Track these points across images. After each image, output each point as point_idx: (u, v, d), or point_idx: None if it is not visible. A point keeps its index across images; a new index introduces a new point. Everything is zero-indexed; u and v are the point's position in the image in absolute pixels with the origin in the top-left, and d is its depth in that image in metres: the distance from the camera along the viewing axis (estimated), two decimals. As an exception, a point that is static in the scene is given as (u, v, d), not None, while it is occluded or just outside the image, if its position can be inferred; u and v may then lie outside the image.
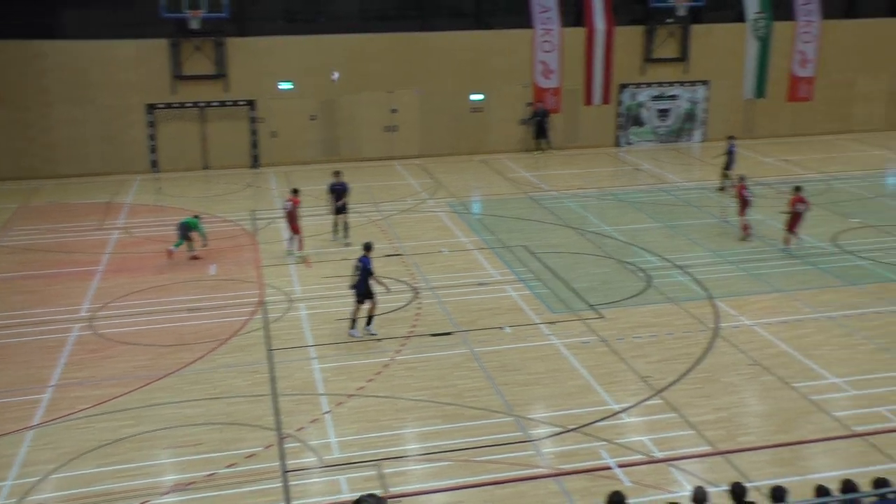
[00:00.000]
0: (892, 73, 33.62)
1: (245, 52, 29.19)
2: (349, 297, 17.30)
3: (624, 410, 12.88)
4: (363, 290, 15.35)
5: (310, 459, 11.71)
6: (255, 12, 30.17)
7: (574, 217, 23.16)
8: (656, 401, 13.14)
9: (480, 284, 18.19)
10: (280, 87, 29.58)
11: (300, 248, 20.05)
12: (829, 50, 32.88)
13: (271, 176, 28.64)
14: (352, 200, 25.08)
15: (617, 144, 32.33)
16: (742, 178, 21.56)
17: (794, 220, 19.82)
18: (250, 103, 29.52)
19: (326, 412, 12.90)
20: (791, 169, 28.21)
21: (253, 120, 29.62)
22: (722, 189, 25.20)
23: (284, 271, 19.18)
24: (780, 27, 32.32)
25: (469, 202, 25.14)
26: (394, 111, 30.52)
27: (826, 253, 19.76)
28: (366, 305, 15.50)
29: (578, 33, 31.18)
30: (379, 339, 15.39)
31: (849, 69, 33.30)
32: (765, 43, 32.29)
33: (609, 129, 32.16)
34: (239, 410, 12.98)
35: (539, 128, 31.07)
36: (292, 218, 19.80)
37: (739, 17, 32.44)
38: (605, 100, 31.78)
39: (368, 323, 15.61)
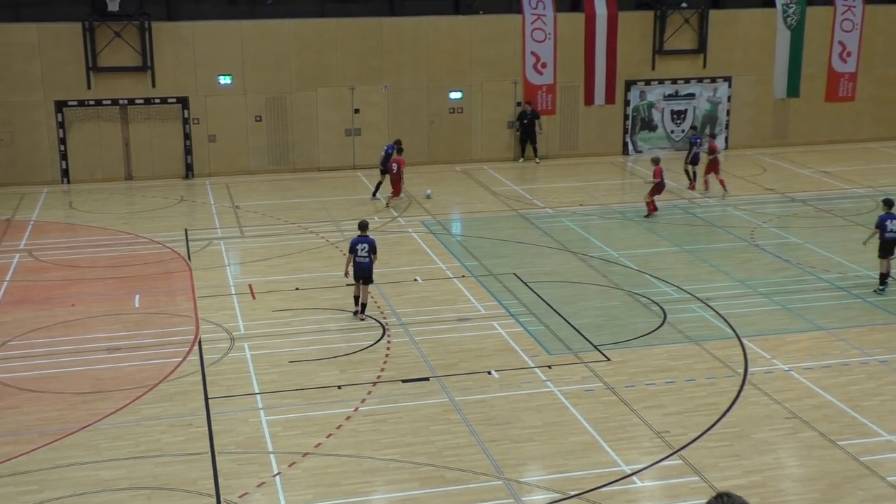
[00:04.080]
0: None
1: (176, 39, 29.21)
2: (304, 335, 17.16)
3: (636, 473, 12.86)
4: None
5: (256, 534, 11.58)
6: (189, -9, 30.23)
7: (574, 239, 23.27)
8: (675, 461, 13.14)
9: (462, 320, 18.19)
10: (219, 82, 29.59)
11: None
12: (874, 40, 33.42)
13: (208, 188, 28.57)
14: (306, 218, 25.14)
15: (624, 152, 32.60)
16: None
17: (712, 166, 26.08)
18: (182, 101, 29.50)
19: (276, 474, 12.79)
20: (832, 183, 28.55)
21: (186, 121, 29.58)
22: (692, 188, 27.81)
23: (225, 303, 19.08)
24: (815, 13, 32.86)
25: (448, 221, 25.18)
26: (356, 112, 30.61)
27: (875, 283, 19.95)
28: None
29: (576, 19, 31.52)
30: (339, 387, 15.33)
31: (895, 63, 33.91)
32: (798, 32, 32.78)
33: (614, 135, 32.44)
34: (169, 472, 12.84)
35: (526, 133, 31.25)
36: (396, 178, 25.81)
37: (768, 2, 32.94)
38: (609, 99, 32.08)
39: (363, 310, 18.10)
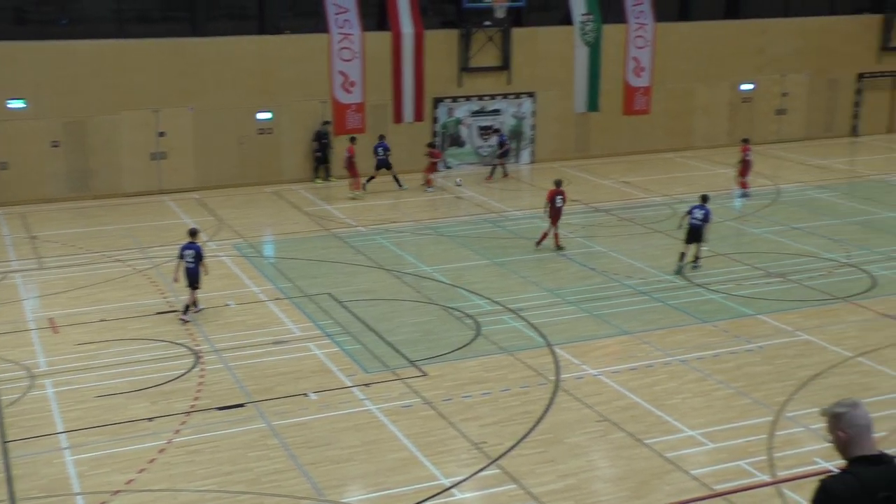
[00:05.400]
0: (733, 81, 36.35)
1: (-37, 62, 27.68)
2: (111, 368, 16.58)
3: (456, 485, 13.00)
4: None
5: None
6: (-25, 12, 28.76)
7: (388, 257, 23.39)
8: (493, 471, 13.37)
9: (278, 343, 17.97)
10: (9, 105, 28.20)
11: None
12: (665, 56, 35.16)
13: (1, 218, 27.17)
14: (110, 246, 24.27)
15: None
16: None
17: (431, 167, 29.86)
18: (-28, 127, 27.98)
19: (85, 516, 12.25)
20: (632, 192, 29.79)
21: (-24, 148, 28.05)
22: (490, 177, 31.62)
23: (23, 339, 18.17)
24: (610, 31, 34.28)
25: (260, 243, 24.86)
26: (161, 135, 29.80)
27: (674, 287, 20.94)
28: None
29: (383, 38, 31.77)
30: (151, 420, 14.84)
31: (687, 78, 35.72)
32: (595, 49, 34.11)
33: (423, 152, 32.77)
34: (-33, 523, 12.10)
35: (320, 152, 31.18)
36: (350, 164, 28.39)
37: (566, 20, 34.14)
38: (418, 117, 32.46)
39: (186, 311, 18.80)
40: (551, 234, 23.57)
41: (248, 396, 15.68)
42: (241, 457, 13.74)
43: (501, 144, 32.13)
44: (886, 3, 37.99)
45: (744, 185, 28.92)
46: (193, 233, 19.54)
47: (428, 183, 30.49)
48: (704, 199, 22.17)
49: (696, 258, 21.98)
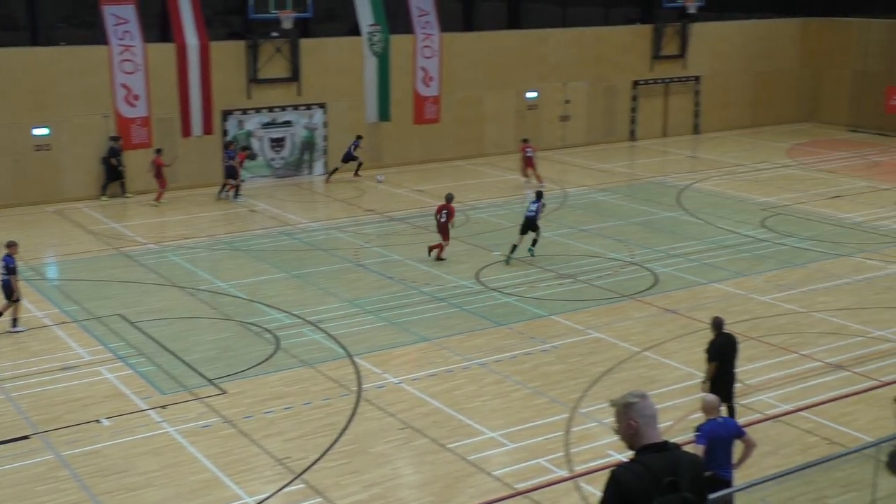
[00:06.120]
0: (519, 89, 37.49)
1: None
2: None
3: (261, 503, 12.82)
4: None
5: None
6: None
7: (181, 274, 22.79)
8: (298, 486, 13.27)
9: (65, 369, 17.19)
10: None
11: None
12: (452, 66, 35.87)
13: None
14: None
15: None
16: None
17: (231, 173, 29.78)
18: None
19: None
20: (425, 200, 30.19)
21: None
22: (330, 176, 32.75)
23: None
24: (398, 41, 34.67)
25: (42, 265, 23.71)
26: (-73, 153, 27.93)
27: (471, 292, 21.38)
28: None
29: (167, 50, 30.94)
30: (-73, 458, 13.89)
31: (475, 86, 36.57)
32: (384, 59, 34.42)
33: (216, 165, 32.17)
34: None
35: (110, 167, 30.17)
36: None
37: (354, 31, 34.29)
38: (207, 129, 31.80)
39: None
40: (442, 245, 23.60)
41: (34, 427, 14.92)
42: (28, 492, 13.06)
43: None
44: (656, 15, 40.17)
45: (538, 179, 31.02)
46: (8, 245, 19.36)
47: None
48: (539, 194, 24.09)
49: (534, 242, 23.61)
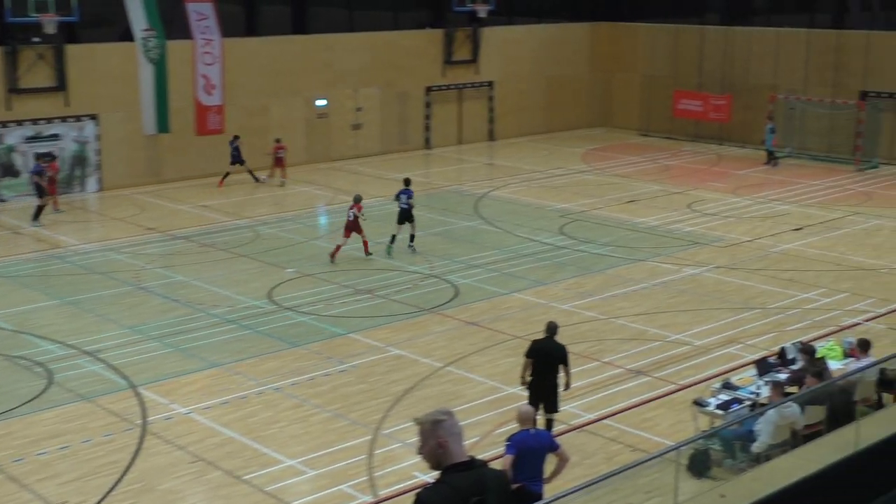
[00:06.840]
0: (307, 97, 37.32)
1: None
2: None
3: (36, 555, 12.20)
4: None
5: None
6: None
7: (-65, 305, 21.43)
8: (78, 533, 12.68)
9: None
10: None
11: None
12: (236, 73, 35.34)
13: None
14: None
15: (-22, 204, 30.74)
16: None
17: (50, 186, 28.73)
18: None
19: None
20: (211, 216, 29.60)
21: None
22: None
23: None
24: (176, 47, 33.87)
25: None
26: None
27: (263, 312, 21.08)
28: None
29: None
30: None
31: (260, 94, 36.15)
32: (160, 66, 33.54)
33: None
34: None
35: None
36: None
37: (127, 36, 33.25)
38: (-38, 145, 30.07)
39: None
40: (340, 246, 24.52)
41: None
42: None
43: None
44: (447, 19, 40.93)
45: (283, 175, 33.68)
46: None
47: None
48: (407, 182, 25.41)
49: (412, 236, 24.98)
